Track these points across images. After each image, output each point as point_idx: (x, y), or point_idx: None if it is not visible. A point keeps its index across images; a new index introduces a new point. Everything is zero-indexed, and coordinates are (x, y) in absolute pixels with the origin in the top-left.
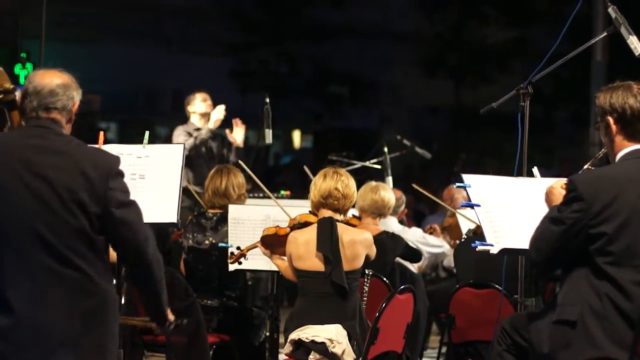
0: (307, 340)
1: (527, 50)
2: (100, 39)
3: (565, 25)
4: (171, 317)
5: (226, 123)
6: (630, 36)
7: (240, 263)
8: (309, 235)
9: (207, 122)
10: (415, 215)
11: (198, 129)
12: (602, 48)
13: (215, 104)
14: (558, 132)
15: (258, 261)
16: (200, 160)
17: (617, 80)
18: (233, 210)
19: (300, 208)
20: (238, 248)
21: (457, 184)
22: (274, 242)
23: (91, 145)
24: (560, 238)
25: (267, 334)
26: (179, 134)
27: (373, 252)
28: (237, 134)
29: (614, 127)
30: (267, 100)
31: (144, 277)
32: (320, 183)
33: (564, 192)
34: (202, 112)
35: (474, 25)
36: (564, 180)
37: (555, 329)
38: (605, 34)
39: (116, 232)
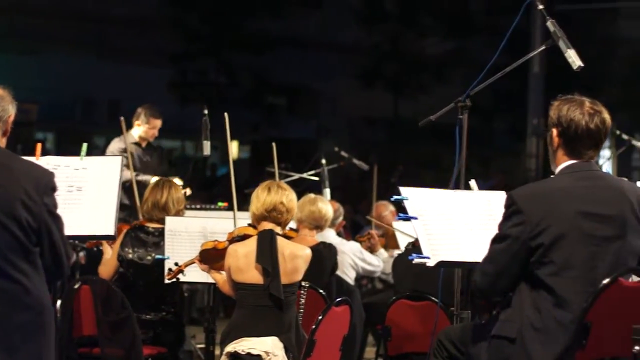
0: (243, 353)
1: (465, 61)
2: (38, 48)
3: (505, 38)
4: None
5: (165, 132)
6: (569, 50)
7: (178, 279)
8: (249, 247)
9: (144, 141)
10: (353, 226)
11: (136, 143)
12: (539, 60)
13: None
14: (495, 143)
15: (195, 274)
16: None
17: (570, 94)
18: (170, 222)
19: (239, 220)
20: (176, 264)
21: (395, 197)
22: (212, 257)
23: (27, 159)
24: (505, 254)
25: (203, 346)
26: (113, 150)
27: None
28: None
29: (556, 140)
30: (206, 111)
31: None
32: (265, 196)
33: None
34: (143, 137)
35: (412, 36)
36: None
37: (494, 343)
38: (543, 47)
39: (47, 244)
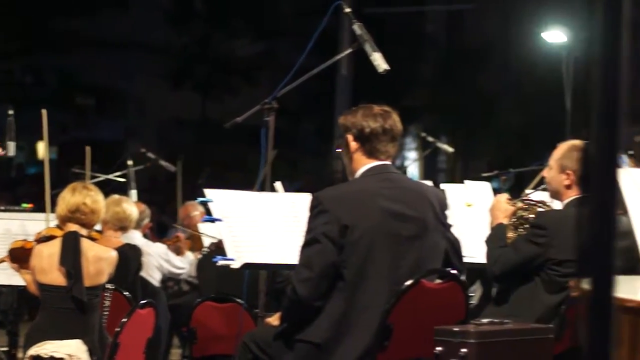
0: (46, 356)
1: (274, 63)
2: None
3: (312, 41)
4: None
5: None
6: (374, 53)
7: None
8: (54, 248)
9: None
10: (159, 228)
11: None
12: (347, 63)
13: None
14: (303, 145)
15: (1, 276)
16: None
17: (378, 96)
18: None
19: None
20: None
21: (200, 199)
22: (21, 256)
23: None
24: (321, 255)
25: (6, 349)
26: None
27: (113, 270)
28: None
29: (352, 145)
30: (11, 112)
31: None
32: (69, 197)
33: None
34: None
35: (222, 38)
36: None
37: (298, 347)
38: (350, 50)
39: None
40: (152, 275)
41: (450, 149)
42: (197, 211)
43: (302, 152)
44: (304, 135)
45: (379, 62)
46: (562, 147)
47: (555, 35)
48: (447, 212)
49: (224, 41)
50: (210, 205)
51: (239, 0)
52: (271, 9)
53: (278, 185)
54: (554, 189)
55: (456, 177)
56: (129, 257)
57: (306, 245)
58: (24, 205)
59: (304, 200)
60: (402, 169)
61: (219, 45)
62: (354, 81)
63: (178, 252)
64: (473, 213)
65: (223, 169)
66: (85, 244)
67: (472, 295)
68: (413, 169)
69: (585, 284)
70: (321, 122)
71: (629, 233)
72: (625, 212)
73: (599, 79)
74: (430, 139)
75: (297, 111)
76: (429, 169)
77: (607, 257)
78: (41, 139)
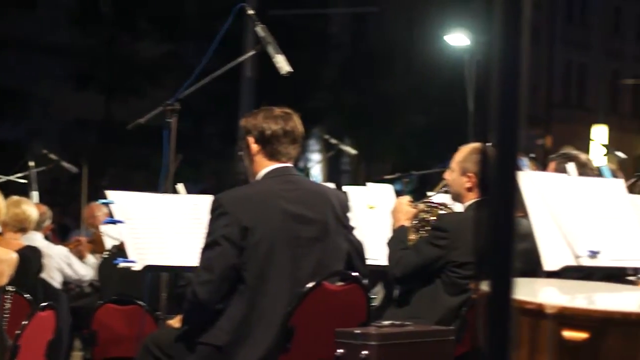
0: None
1: (180, 65)
2: None
3: (215, 42)
4: None
5: None
6: (277, 55)
7: None
8: None
9: None
10: (61, 229)
11: None
12: (252, 65)
13: None
14: (206, 146)
15: None
16: None
17: (282, 98)
18: None
19: None
20: None
21: (101, 200)
22: None
23: None
24: (222, 258)
25: None
26: None
27: (13, 272)
28: None
29: (253, 147)
30: None
31: None
32: None
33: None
34: None
35: (126, 39)
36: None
37: (200, 350)
38: (253, 52)
39: None
40: (53, 277)
41: (353, 151)
42: (101, 212)
43: (206, 154)
44: (207, 137)
45: (282, 64)
46: (464, 150)
47: (457, 39)
48: (349, 214)
49: (129, 42)
50: (111, 206)
51: (144, 2)
52: (176, 11)
53: (180, 187)
54: (456, 192)
55: (359, 179)
56: (30, 259)
57: (206, 247)
58: None
59: (206, 202)
60: (305, 171)
61: (124, 47)
62: (258, 83)
63: (79, 255)
64: (375, 215)
65: (127, 170)
66: None
67: (374, 297)
68: (316, 171)
69: (484, 286)
70: (225, 124)
71: (529, 235)
72: (525, 214)
73: (499, 81)
74: (333, 141)
75: (201, 113)
76: (332, 170)
77: (506, 259)
78: None
